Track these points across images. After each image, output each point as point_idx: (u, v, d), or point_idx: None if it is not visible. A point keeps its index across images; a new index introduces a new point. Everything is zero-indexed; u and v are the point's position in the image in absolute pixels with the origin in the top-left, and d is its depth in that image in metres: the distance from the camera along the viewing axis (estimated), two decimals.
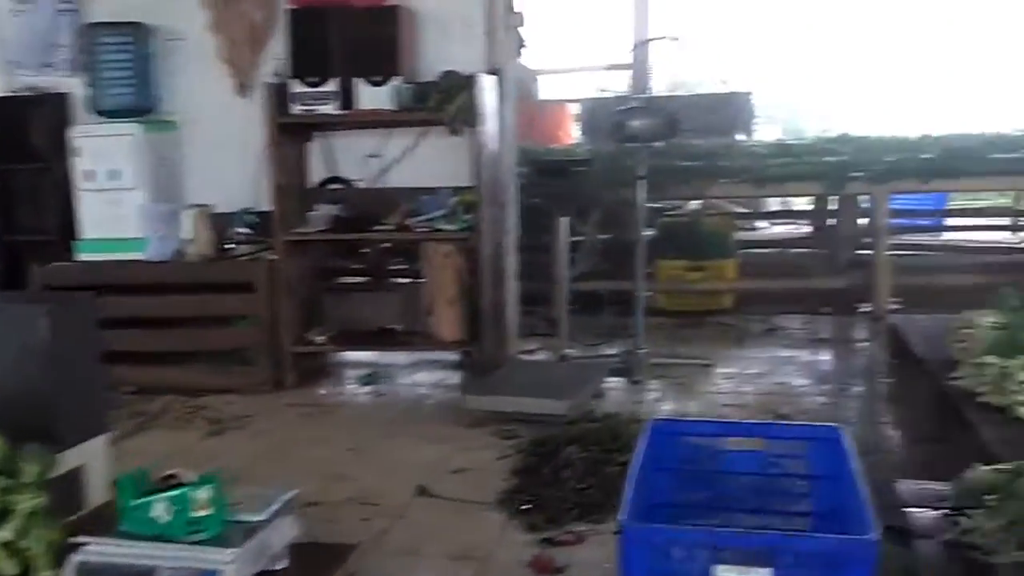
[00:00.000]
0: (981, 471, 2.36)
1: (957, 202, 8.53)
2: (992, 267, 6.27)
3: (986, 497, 2.20)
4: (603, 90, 5.38)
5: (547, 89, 11.11)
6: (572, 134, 9.30)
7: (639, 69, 9.63)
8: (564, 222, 4.74)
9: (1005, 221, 8.34)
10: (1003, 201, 8.41)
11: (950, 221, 8.60)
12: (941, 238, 8.28)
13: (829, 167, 5.72)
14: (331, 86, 4.50)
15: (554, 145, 8.28)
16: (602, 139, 6.13)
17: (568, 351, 4.88)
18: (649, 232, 6.57)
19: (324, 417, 4.23)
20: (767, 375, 4.67)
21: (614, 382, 4.52)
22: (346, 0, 4.70)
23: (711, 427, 2.50)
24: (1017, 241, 7.93)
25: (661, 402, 4.29)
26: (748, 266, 6.24)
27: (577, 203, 5.56)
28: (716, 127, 8.96)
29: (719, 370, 4.77)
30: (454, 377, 4.81)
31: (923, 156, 5.90)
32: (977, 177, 5.57)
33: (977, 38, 18.35)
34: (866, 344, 5.20)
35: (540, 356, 5.06)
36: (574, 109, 9.30)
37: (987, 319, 3.80)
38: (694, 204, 7.35)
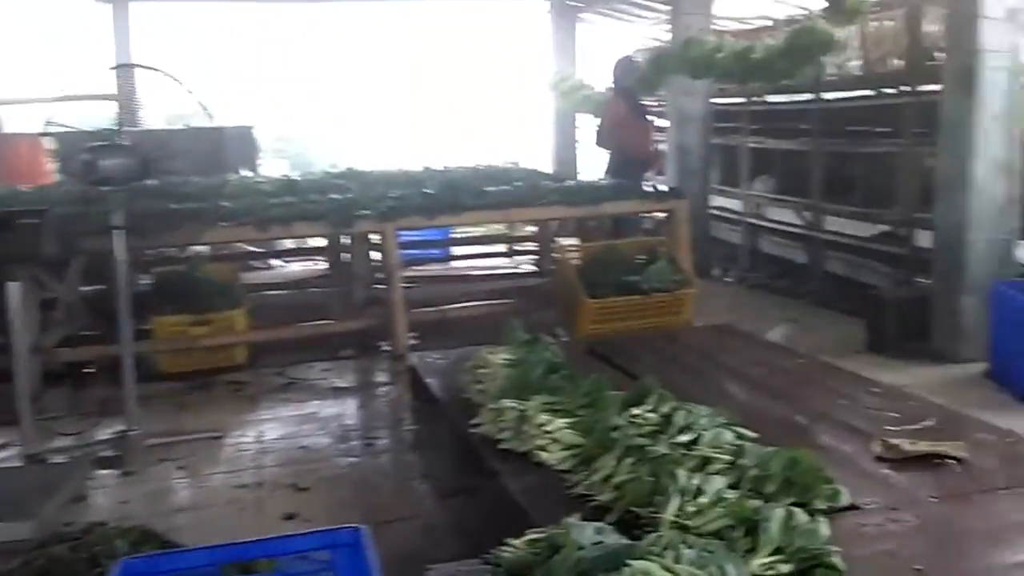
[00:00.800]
0: (516, 548, 2.11)
1: (460, 231, 8.92)
2: (497, 293, 6.53)
3: None
4: (51, 123, 4.43)
5: (18, 121, 9.61)
6: (52, 173, 8.02)
7: (124, 100, 8.64)
8: (15, 285, 3.78)
9: (502, 248, 8.92)
10: (499, 228, 8.98)
11: (456, 250, 8.99)
12: (450, 266, 8.60)
13: (336, 205, 5.44)
14: None
15: (26, 186, 6.99)
16: (73, 180, 5.18)
17: (40, 446, 3.91)
18: (142, 285, 5.78)
19: None
20: (287, 439, 4.18)
21: (102, 477, 3.69)
22: None
23: (203, 556, 1.93)
24: (514, 266, 8.50)
25: (160, 497, 3.56)
26: (261, 313, 5.72)
27: (45, 256, 4.57)
28: (218, 164, 8.36)
29: (232, 441, 4.17)
30: None
31: (426, 191, 5.94)
32: (477, 211, 5.69)
33: (469, 80, 20.12)
34: (389, 388, 4.98)
35: (4, 455, 4.00)
36: (50, 144, 8.03)
37: (500, 356, 3.75)
38: (200, 249, 6.67)
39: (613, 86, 7.49)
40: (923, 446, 2.61)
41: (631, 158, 7.04)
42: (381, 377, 5.26)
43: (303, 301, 6.76)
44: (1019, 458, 2.57)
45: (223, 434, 4.22)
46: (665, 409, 2.94)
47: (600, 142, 7.39)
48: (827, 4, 6.08)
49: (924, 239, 5.89)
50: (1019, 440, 2.74)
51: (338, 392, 4.91)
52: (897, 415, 2.99)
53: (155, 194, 6.00)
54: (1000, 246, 4.79)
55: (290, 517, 3.24)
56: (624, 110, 7.18)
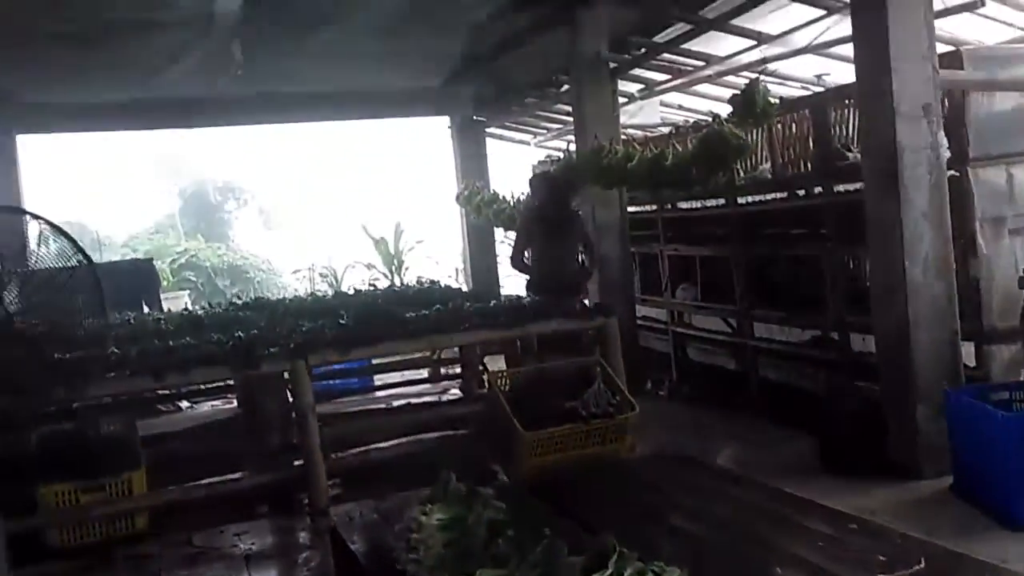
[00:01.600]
0: None
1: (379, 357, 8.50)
2: (423, 425, 6.12)
3: None
4: None
5: None
6: None
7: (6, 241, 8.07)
8: None
9: (426, 372, 8.53)
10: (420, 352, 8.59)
11: (377, 377, 8.54)
12: (371, 396, 8.14)
13: (239, 344, 4.98)
14: None
15: None
16: None
17: None
18: (28, 445, 5.17)
19: None
20: None
21: None
22: None
23: None
24: (439, 391, 8.10)
25: None
26: (165, 468, 5.16)
27: None
28: (116, 301, 7.81)
29: None
30: None
31: (340, 321, 5.54)
32: (395, 340, 5.32)
33: (382, 198, 20.01)
34: (311, 552, 4.45)
35: None
36: None
37: (434, 516, 3.33)
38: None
39: (533, 202, 7.30)
40: None
41: (551, 280, 6.80)
42: (302, 537, 4.73)
43: (212, 450, 6.19)
44: None
45: None
46: (630, 572, 2.58)
47: (515, 264, 7.12)
48: (733, 108, 6.05)
49: (858, 342, 5.77)
50: None
51: (253, 561, 4.34)
52: (884, 558, 2.68)
53: (39, 341, 5.47)
54: (946, 349, 4.63)
55: None
56: (540, 227, 6.97)
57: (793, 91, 7.79)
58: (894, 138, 4.56)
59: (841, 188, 5.88)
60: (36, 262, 4.40)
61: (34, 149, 10.47)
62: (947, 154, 4.71)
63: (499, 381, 5.40)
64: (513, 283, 13.23)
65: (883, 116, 4.61)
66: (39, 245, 4.37)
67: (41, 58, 7.71)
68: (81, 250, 4.28)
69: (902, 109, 4.55)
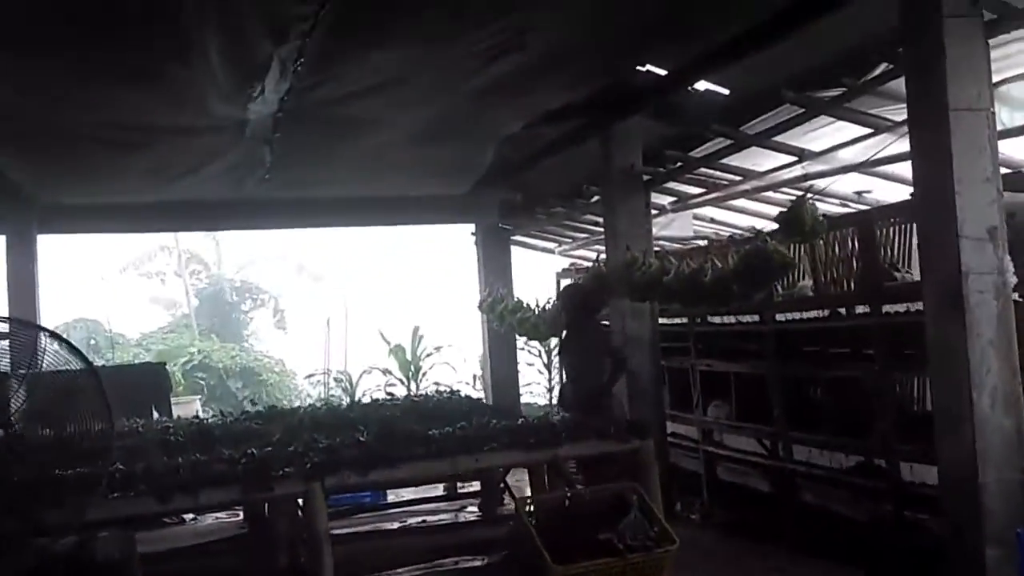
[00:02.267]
0: None
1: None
2: (441, 551, 5.73)
3: None
4: None
5: None
6: None
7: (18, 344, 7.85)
8: None
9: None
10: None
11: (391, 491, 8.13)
12: (387, 513, 7.72)
13: (251, 464, 4.66)
14: None
15: None
16: None
17: None
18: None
19: None
20: None
21: None
22: None
23: None
24: (456, 507, 7.68)
25: None
26: None
27: None
28: (126, 407, 7.52)
29: None
30: None
31: (359, 438, 5.21)
32: (417, 461, 4.98)
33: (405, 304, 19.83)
34: None
35: None
36: None
37: None
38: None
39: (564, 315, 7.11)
40: None
41: (570, 394, 6.59)
42: None
43: (217, 568, 5.79)
44: None
45: None
46: None
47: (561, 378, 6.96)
48: (779, 226, 5.83)
49: (905, 470, 5.40)
50: None
51: None
52: None
53: (40, 459, 5.16)
54: (1016, 487, 4.24)
55: None
56: (562, 342, 6.83)
57: (832, 207, 7.60)
58: (958, 262, 4.29)
59: (889, 309, 5.60)
60: (40, 368, 4.16)
61: (51, 244, 10.35)
62: (1013, 279, 4.43)
63: (526, 507, 5.04)
64: (533, 392, 12.91)
65: (946, 239, 4.34)
66: (44, 352, 4.13)
67: (70, 162, 7.64)
68: (84, 357, 4.04)
69: (966, 232, 4.29)
